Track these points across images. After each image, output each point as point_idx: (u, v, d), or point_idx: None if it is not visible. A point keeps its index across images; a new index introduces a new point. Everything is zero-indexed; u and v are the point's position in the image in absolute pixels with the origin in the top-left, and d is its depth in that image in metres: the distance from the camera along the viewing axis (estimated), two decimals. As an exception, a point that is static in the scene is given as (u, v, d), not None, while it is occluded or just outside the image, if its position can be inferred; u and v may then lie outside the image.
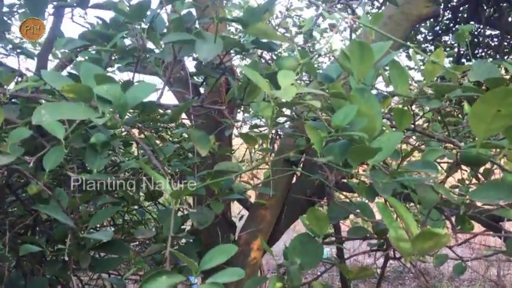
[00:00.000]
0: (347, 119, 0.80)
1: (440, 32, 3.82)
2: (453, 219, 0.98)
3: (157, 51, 1.10)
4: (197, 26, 1.12)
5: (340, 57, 0.96)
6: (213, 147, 1.61)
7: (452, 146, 1.29)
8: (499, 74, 1.30)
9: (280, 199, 1.97)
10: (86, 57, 1.03)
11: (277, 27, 2.51)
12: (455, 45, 3.94)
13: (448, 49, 4.08)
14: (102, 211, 1.02)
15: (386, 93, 1.25)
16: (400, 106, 1.13)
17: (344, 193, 1.91)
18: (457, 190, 1.41)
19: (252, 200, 2.03)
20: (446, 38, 3.94)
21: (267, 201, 1.87)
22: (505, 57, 3.82)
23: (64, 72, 2.14)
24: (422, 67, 3.60)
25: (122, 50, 1.10)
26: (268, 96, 0.81)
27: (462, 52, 3.65)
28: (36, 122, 0.61)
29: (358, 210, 1.22)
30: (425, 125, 1.63)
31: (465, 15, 3.63)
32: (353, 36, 2.34)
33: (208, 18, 0.97)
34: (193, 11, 1.63)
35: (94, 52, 1.21)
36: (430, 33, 3.86)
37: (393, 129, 1.17)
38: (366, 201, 1.11)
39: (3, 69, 1.21)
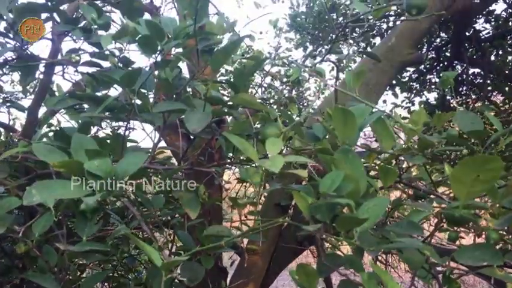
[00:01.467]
0: (333, 186, 0.82)
1: (424, 70, 3.92)
2: (440, 277, 0.99)
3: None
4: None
5: (324, 119, 0.99)
6: (203, 197, 1.62)
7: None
8: (482, 124, 1.34)
9: (272, 244, 1.97)
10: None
11: (264, 76, 2.56)
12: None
13: (432, 87, 4.18)
14: (92, 276, 1.02)
15: (370, 149, 1.29)
16: (384, 163, 1.16)
17: (334, 238, 1.91)
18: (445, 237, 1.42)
19: (243, 244, 2.02)
20: (430, 76, 4.03)
21: (258, 247, 1.87)
22: (489, 95, 3.92)
23: (54, 120, 2.16)
24: (408, 104, 3.62)
25: (112, 109, 1.13)
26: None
27: (446, 91, 3.73)
28: (28, 203, 0.62)
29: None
30: (413, 170, 1.66)
31: (448, 55, 3.73)
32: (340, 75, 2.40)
33: (198, 80, 0.99)
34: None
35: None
36: (415, 72, 3.95)
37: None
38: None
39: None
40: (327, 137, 1.13)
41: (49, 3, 1.24)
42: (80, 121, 1.07)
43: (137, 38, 0.94)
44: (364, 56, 2.26)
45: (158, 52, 0.95)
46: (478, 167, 0.79)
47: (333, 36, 3.92)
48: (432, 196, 1.36)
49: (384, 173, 1.09)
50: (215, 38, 0.99)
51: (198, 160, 1.60)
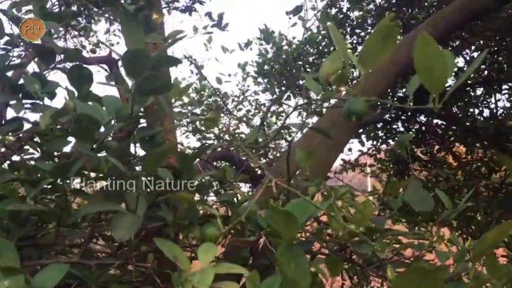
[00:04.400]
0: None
1: (389, 120, 3.97)
2: None
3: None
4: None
5: (267, 214, 0.97)
6: (152, 266, 1.56)
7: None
8: (432, 202, 1.34)
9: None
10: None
11: (223, 134, 2.55)
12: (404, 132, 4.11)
13: (398, 135, 4.24)
14: None
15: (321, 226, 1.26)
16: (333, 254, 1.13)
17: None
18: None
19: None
20: (395, 125, 4.09)
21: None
22: (452, 146, 4.00)
23: None
24: (374, 152, 3.61)
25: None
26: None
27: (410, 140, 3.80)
28: None
29: None
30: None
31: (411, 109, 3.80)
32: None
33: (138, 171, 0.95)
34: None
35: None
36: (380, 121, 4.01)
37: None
38: None
39: None
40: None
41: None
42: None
43: (71, 129, 0.90)
44: (328, 109, 2.25)
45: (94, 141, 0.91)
46: (420, 278, 0.77)
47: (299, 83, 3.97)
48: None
49: (331, 264, 1.07)
50: (156, 128, 0.96)
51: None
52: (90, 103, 1.09)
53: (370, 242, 1.14)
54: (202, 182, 1.06)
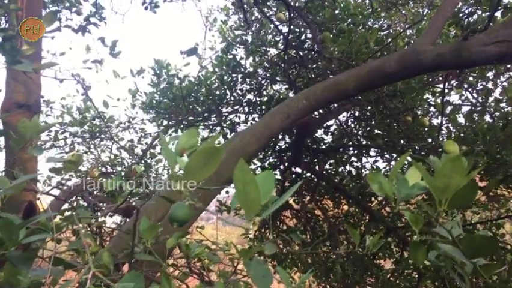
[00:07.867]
0: None
1: (268, 167, 4.15)
2: None
3: None
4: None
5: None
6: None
7: None
8: (271, 279, 1.41)
9: None
10: None
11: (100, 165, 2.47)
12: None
13: (276, 182, 4.43)
14: None
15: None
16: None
17: None
18: None
19: None
20: (274, 172, 4.28)
21: None
22: (321, 198, 4.27)
23: None
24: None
25: None
26: None
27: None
28: None
29: None
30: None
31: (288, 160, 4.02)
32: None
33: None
34: None
35: None
36: (259, 168, 4.17)
37: None
38: None
39: None
40: None
41: None
42: None
43: None
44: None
45: None
46: None
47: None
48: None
49: None
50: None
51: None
52: None
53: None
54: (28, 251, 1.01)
